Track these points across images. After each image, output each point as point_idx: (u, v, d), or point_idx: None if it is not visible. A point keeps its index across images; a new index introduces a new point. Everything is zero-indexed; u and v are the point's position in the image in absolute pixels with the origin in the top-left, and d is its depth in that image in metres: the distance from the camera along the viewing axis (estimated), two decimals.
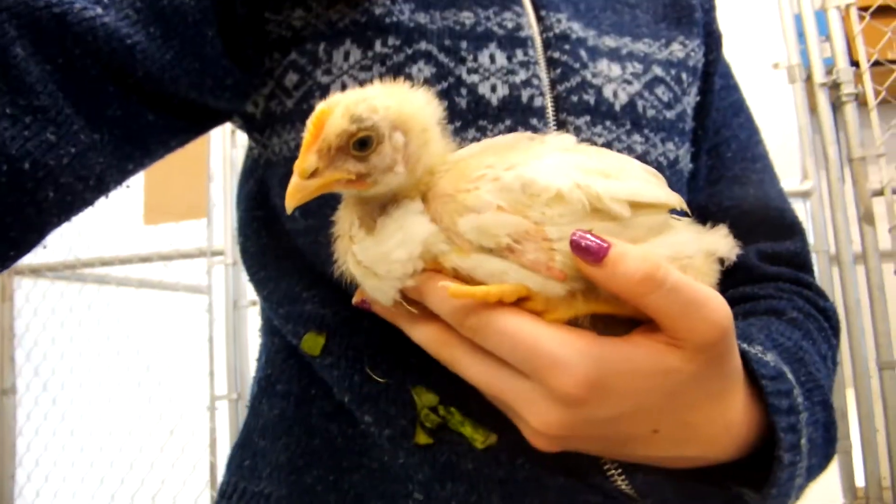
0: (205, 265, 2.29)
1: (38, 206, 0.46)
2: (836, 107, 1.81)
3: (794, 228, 0.73)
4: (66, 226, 0.51)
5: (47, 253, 2.59)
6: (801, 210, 1.83)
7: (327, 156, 0.44)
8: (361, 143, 0.44)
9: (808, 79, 1.85)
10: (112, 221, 2.79)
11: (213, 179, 2.30)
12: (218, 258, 2.26)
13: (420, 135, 0.46)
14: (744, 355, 0.50)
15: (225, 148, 2.28)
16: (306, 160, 0.44)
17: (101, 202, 0.54)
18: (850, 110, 1.79)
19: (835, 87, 1.80)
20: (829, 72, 1.83)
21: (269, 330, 0.68)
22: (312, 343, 0.59)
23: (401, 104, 0.45)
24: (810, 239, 1.80)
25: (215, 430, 2.19)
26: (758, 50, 2.02)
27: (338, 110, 0.43)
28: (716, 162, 0.75)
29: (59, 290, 2.75)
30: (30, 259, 2.41)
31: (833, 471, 1.72)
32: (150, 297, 2.94)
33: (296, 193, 0.44)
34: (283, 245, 0.64)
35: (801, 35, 1.87)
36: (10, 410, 2.58)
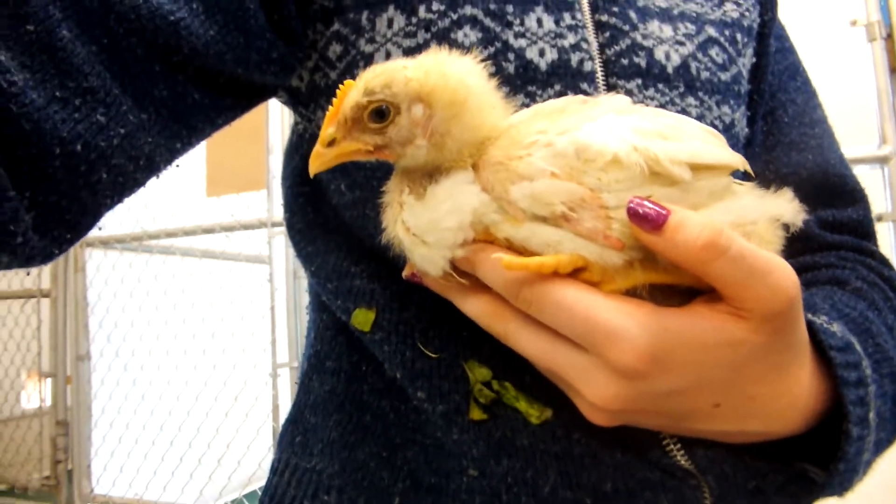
0: (265, 236, 2.34)
1: (92, 188, 0.46)
2: None
3: (855, 195, 0.70)
4: (132, 199, 0.52)
5: (115, 225, 2.69)
6: (878, 177, 1.77)
7: (344, 127, 0.45)
8: (378, 115, 0.44)
9: (889, 37, 1.76)
10: (176, 194, 2.88)
11: (272, 152, 2.35)
12: (278, 229, 2.31)
13: (447, 108, 0.45)
14: (810, 326, 0.48)
15: (283, 120, 2.31)
16: (326, 130, 0.46)
17: (164, 176, 0.54)
18: None
19: None
20: None
21: (317, 306, 0.68)
22: (363, 319, 0.58)
23: (427, 76, 0.44)
24: (887, 207, 1.72)
25: (277, 397, 2.25)
26: (834, 6, 1.91)
27: (358, 82, 0.45)
28: (772, 127, 0.72)
29: (128, 260, 2.87)
30: (98, 231, 2.51)
31: None
32: (214, 266, 3.04)
33: (314, 160, 0.46)
34: (330, 220, 0.64)
35: None
36: (86, 375, 2.72)
